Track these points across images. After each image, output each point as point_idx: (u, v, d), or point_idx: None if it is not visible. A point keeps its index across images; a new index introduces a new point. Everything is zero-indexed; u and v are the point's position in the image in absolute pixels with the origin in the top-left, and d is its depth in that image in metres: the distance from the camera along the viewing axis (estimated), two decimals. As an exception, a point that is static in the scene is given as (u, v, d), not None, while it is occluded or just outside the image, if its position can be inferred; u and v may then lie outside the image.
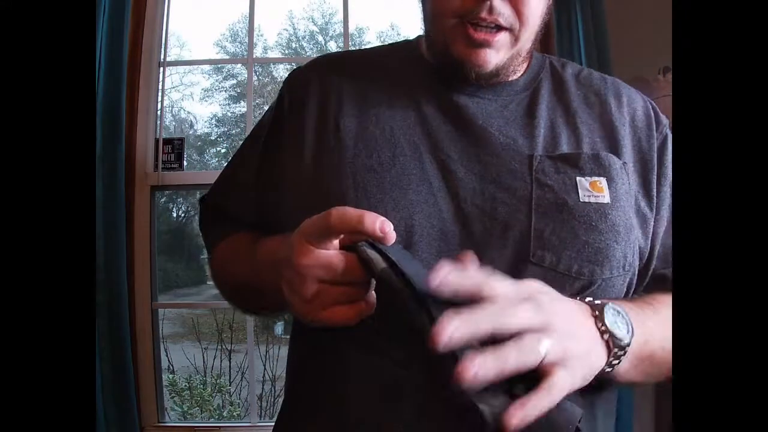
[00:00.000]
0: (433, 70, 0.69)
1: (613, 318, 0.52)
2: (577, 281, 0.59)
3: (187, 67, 4.73)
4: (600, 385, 0.54)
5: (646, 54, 1.91)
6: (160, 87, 1.92)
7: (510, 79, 0.69)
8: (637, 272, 0.63)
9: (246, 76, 2.17)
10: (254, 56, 2.06)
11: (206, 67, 4.77)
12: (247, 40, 2.30)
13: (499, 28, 0.62)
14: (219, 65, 4.95)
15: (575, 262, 0.59)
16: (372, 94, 0.69)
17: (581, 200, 0.61)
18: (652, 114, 0.72)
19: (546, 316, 0.46)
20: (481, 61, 0.63)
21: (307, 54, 5.07)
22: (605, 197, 0.62)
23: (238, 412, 3.52)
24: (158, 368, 1.83)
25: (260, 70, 4.92)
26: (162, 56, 1.93)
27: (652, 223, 0.66)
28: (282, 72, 5.01)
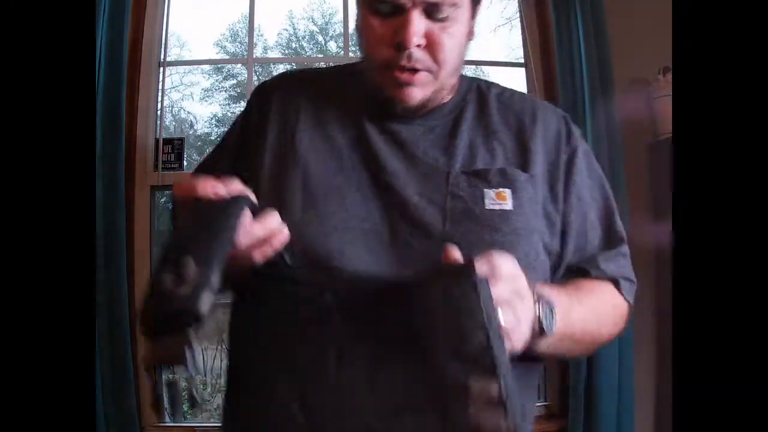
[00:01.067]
0: (370, 96, 0.80)
1: (545, 314, 0.65)
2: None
3: (187, 67, 4.72)
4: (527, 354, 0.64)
5: (646, 54, 1.91)
6: (160, 87, 1.91)
7: (435, 105, 0.80)
8: (547, 265, 0.77)
9: (246, 76, 2.18)
10: (254, 56, 2.06)
11: (206, 67, 4.76)
12: (247, 40, 2.30)
13: (417, 70, 0.73)
14: (219, 65, 4.95)
15: None
16: (325, 112, 0.81)
17: (486, 208, 0.73)
18: (564, 130, 0.84)
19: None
20: (406, 98, 0.75)
21: (307, 54, 5.06)
22: (508, 205, 0.74)
23: (238, 412, 3.51)
24: (158, 368, 1.83)
25: (260, 70, 4.91)
26: (162, 56, 1.93)
27: (559, 225, 0.79)
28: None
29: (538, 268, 0.75)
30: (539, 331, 0.64)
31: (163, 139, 1.89)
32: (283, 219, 0.68)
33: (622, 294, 0.83)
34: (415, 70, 0.73)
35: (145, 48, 1.89)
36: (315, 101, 0.82)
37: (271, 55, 5.10)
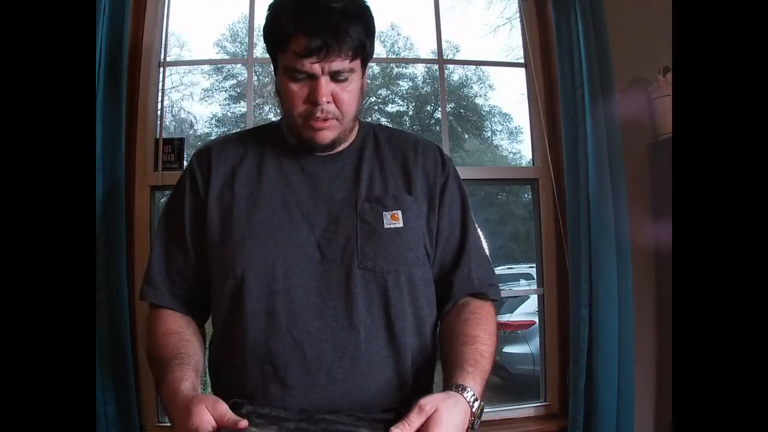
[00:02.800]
0: (292, 146, 1.09)
1: (476, 404, 0.91)
2: (388, 275, 1.02)
3: (187, 67, 4.72)
4: None
5: (646, 54, 1.91)
6: (160, 87, 1.91)
7: (344, 146, 1.10)
8: (427, 262, 1.08)
9: (246, 76, 2.17)
10: (254, 56, 2.05)
11: (206, 67, 4.76)
12: (247, 40, 2.30)
13: (327, 118, 1.01)
14: (219, 65, 4.94)
15: (385, 264, 1.02)
16: (254, 166, 1.08)
17: (385, 227, 1.03)
18: (439, 159, 1.15)
19: None
20: (321, 138, 1.04)
21: (307, 54, 5.07)
22: (399, 223, 1.04)
23: (238, 412, 3.50)
24: None
25: (260, 70, 4.91)
26: (162, 56, 1.93)
27: (434, 230, 1.10)
28: (282, 72, 5.00)
29: (423, 265, 1.06)
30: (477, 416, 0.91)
31: (163, 139, 1.89)
32: (240, 255, 1.00)
33: (490, 300, 1.12)
34: (326, 119, 1.01)
35: (145, 48, 1.89)
36: (245, 158, 1.09)
37: (271, 55, 5.13)
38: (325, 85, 0.97)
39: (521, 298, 5.27)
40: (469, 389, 0.91)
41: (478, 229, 1.16)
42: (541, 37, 2.06)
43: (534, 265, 2.07)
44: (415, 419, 0.82)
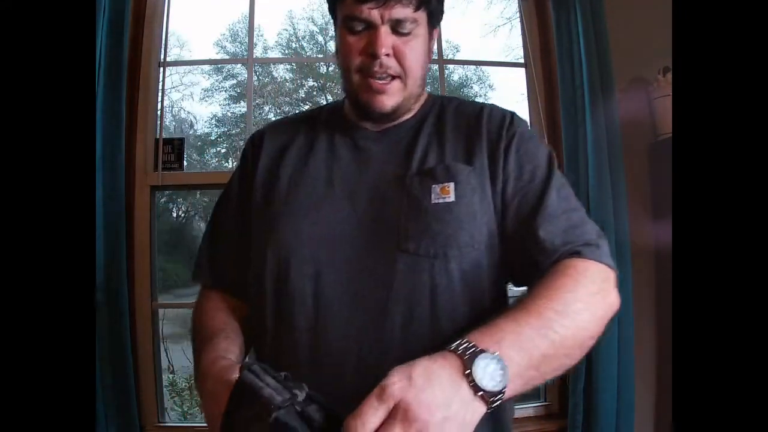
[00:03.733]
0: (350, 124, 0.98)
1: (483, 370, 0.62)
2: (435, 259, 0.83)
3: (187, 67, 4.72)
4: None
5: (646, 54, 1.91)
6: (160, 87, 1.91)
7: (407, 117, 0.96)
8: (494, 246, 0.86)
9: (246, 76, 2.17)
10: (254, 56, 2.05)
11: (206, 67, 4.76)
12: (247, 40, 2.30)
13: (392, 77, 0.89)
14: (219, 65, 4.95)
15: (431, 247, 0.84)
16: (304, 145, 0.98)
17: (432, 202, 0.85)
18: (507, 121, 0.94)
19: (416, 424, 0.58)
20: (380, 104, 0.90)
21: (307, 54, 5.06)
22: (451, 197, 0.86)
23: (238, 412, 3.50)
24: (158, 368, 1.83)
25: (260, 70, 4.91)
26: (162, 56, 1.93)
27: (500, 188, 0.88)
28: (282, 72, 5.00)
29: (484, 248, 0.85)
30: (491, 394, 0.61)
31: (163, 139, 1.89)
32: (271, 234, 0.90)
33: (588, 259, 0.79)
34: (387, 79, 0.89)
35: (145, 48, 1.89)
36: (295, 139, 0.99)
37: (271, 55, 5.10)
38: (385, 35, 0.87)
39: (521, 298, 5.26)
40: (465, 341, 0.64)
41: (566, 186, 0.90)
42: (541, 37, 2.06)
43: (534, 265, 2.07)
44: (370, 413, 0.58)
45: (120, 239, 1.67)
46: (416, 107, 0.97)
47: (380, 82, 0.89)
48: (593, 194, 1.77)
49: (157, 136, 1.90)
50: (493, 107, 0.96)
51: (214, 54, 4.75)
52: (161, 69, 1.93)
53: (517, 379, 0.64)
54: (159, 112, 1.92)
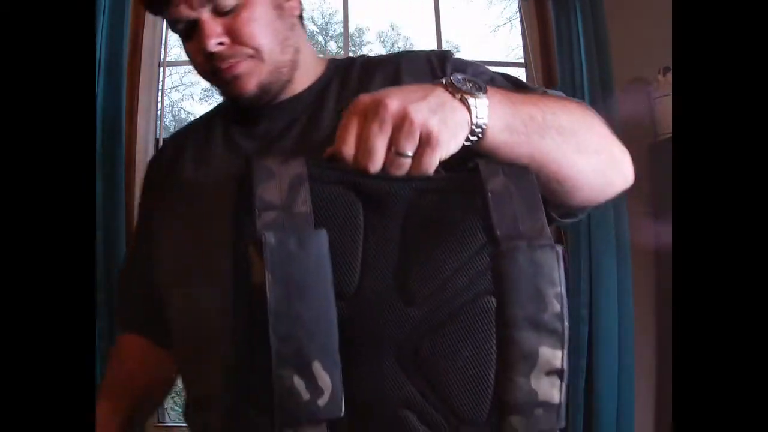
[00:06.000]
0: (233, 116, 0.84)
1: (460, 82, 0.55)
2: None
3: (187, 67, 4.71)
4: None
5: (646, 54, 1.91)
6: (160, 87, 1.91)
7: (295, 92, 0.81)
8: None
9: (246, 76, 2.15)
10: (254, 56, 2.05)
11: (206, 67, 4.75)
12: (247, 40, 2.28)
13: (237, 61, 0.74)
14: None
15: None
16: (199, 152, 0.84)
17: None
18: (435, 63, 0.79)
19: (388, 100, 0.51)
20: (242, 87, 0.76)
21: (307, 54, 5.06)
22: None
23: (238, 412, 3.50)
24: None
25: (260, 70, 4.90)
26: (162, 56, 1.93)
27: None
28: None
29: None
30: (476, 126, 0.54)
31: (163, 139, 1.89)
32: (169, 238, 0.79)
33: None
34: (233, 64, 0.75)
35: (145, 48, 1.89)
36: (188, 150, 0.86)
37: (271, 55, 5.12)
38: (209, 25, 0.73)
39: (521, 298, 5.26)
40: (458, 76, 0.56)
41: None
42: (541, 37, 2.06)
43: (534, 265, 2.07)
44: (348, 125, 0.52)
45: (120, 239, 1.67)
46: (302, 77, 0.82)
47: (229, 68, 0.75)
48: (593, 194, 1.78)
49: (157, 136, 1.90)
50: (414, 54, 0.83)
51: (213, 54, 4.75)
52: (161, 69, 1.93)
53: (498, 120, 0.56)
54: (159, 112, 1.92)
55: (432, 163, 0.52)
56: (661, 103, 1.91)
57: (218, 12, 0.73)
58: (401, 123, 0.50)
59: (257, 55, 0.75)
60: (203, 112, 0.94)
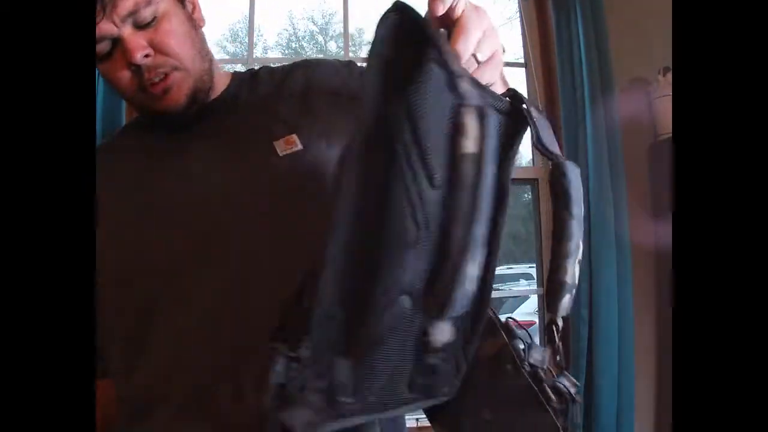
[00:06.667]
0: (166, 128, 0.84)
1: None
2: None
3: (187, 67, 4.71)
4: None
5: (646, 54, 1.91)
6: (160, 87, 1.91)
7: (215, 97, 0.86)
8: None
9: (246, 76, 2.15)
10: (254, 56, 2.05)
11: (206, 67, 4.76)
12: (247, 40, 2.30)
13: (166, 74, 0.77)
14: (219, 65, 4.95)
15: None
16: (136, 172, 0.83)
17: (280, 155, 0.78)
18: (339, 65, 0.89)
19: None
20: (173, 102, 0.78)
21: (307, 54, 5.06)
22: (299, 146, 0.79)
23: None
24: None
25: (260, 70, 4.91)
26: (162, 56, 1.93)
27: None
28: (282, 72, 4.99)
29: None
30: None
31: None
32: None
33: None
34: (163, 78, 0.77)
35: (145, 48, 1.89)
36: (125, 172, 0.84)
37: (271, 55, 5.11)
38: (132, 38, 0.75)
39: (521, 298, 5.27)
40: None
41: None
42: (541, 37, 2.06)
43: (534, 264, 2.07)
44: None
45: (120, 239, 1.67)
46: (222, 83, 0.88)
47: (158, 85, 0.77)
48: (593, 194, 1.78)
49: (157, 136, 1.89)
50: (311, 61, 0.92)
51: (214, 54, 4.76)
52: (161, 69, 1.93)
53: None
54: (159, 112, 1.91)
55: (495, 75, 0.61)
56: (661, 103, 1.91)
57: (138, 26, 0.75)
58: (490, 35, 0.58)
59: (182, 65, 0.78)
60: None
